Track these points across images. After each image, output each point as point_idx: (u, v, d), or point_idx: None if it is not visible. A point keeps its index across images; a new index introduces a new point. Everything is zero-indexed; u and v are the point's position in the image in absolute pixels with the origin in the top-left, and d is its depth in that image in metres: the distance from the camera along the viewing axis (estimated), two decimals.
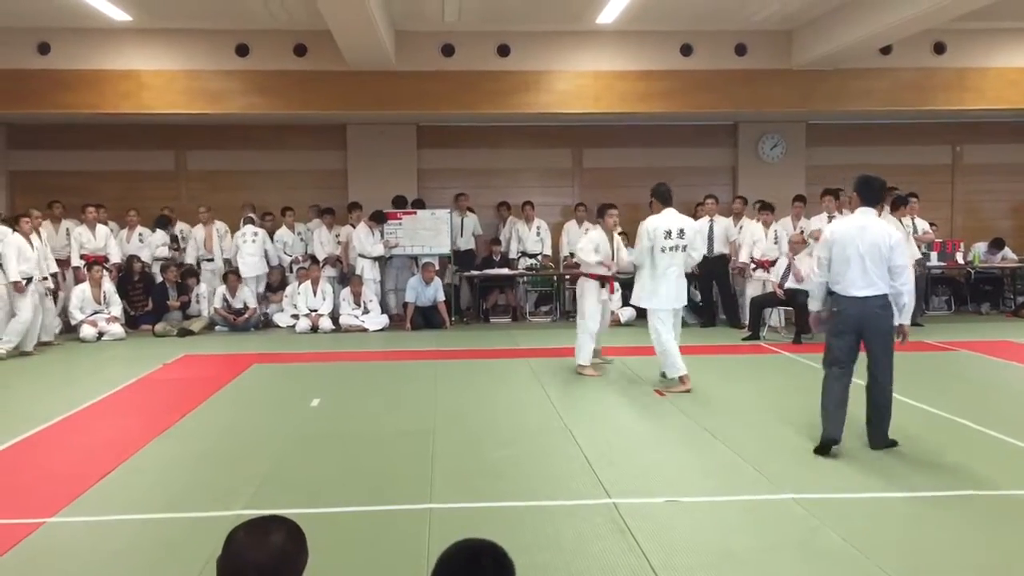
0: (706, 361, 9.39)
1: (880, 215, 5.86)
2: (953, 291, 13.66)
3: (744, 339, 10.82)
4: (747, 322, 11.28)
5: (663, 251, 7.81)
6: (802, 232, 11.34)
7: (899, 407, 6.97)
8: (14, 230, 10.12)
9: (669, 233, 7.86)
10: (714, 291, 12.39)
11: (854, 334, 5.65)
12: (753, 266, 11.74)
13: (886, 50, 12.42)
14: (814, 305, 5.93)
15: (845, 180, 12.82)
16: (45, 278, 10.49)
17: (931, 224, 12.47)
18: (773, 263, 11.43)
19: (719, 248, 12.08)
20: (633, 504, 4.66)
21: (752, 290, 11.67)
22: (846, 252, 5.55)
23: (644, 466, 5.44)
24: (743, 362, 9.45)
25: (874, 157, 14.55)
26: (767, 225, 11.75)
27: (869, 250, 5.51)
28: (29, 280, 10.01)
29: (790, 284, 10.72)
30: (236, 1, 10.75)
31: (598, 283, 8.64)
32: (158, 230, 12.91)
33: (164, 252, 12.78)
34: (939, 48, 12.63)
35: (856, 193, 5.74)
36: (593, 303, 8.58)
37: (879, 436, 5.75)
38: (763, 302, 11.07)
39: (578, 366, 8.57)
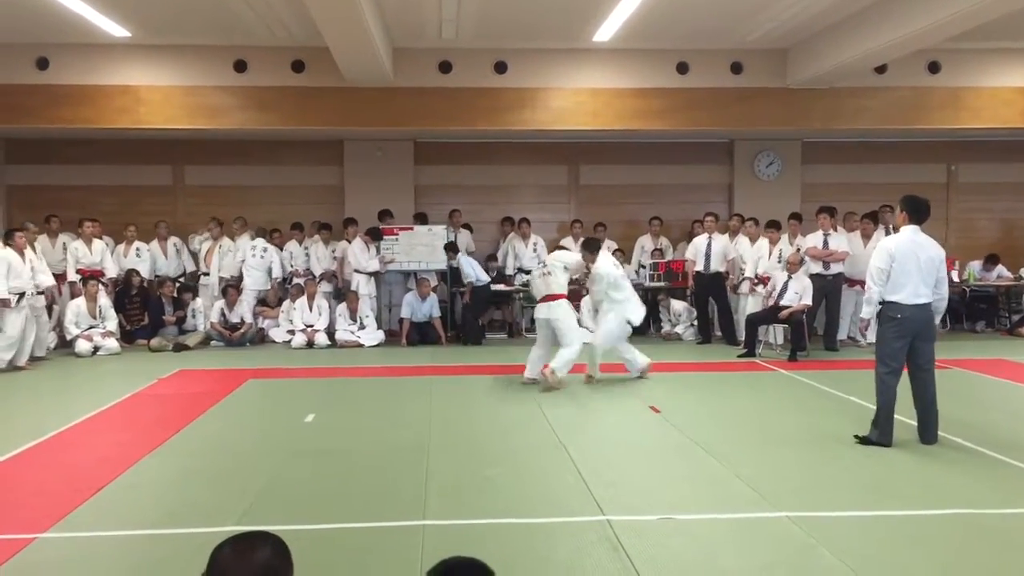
0: (702, 378, 9.40)
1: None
2: (948, 309, 13.64)
3: (740, 356, 10.82)
4: (743, 339, 11.29)
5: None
6: (798, 250, 11.35)
7: (896, 425, 6.99)
8: (6, 244, 10.09)
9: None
10: (710, 308, 12.41)
11: (912, 337, 6.29)
12: (756, 281, 11.74)
13: (881, 69, 12.50)
14: (869, 312, 6.48)
15: (840, 198, 12.95)
16: (42, 292, 10.43)
17: None
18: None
19: (716, 266, 12.11)
20: (627, 521, 4.65)
21: (748, 307, 11.69)
22: (907, 265, 6.21)
23: (638, 483, 5.44)
24: (739, 379, 9.45)
25: (869, 175, 14.63)
26: (774, 243, 11.71)
27: (926, 264, 6.26)
28: (21, 296, 9.98)
29: (785, 302, 10.73)
30: (234, 17, 10.80)
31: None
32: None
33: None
34: (933, 67, 12.71)
35: (905, 212, 6.41)
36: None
37: (934, 432, 6.37)
38: (759, 319, 11.08)
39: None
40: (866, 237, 11.70)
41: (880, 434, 6.29)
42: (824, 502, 5.02)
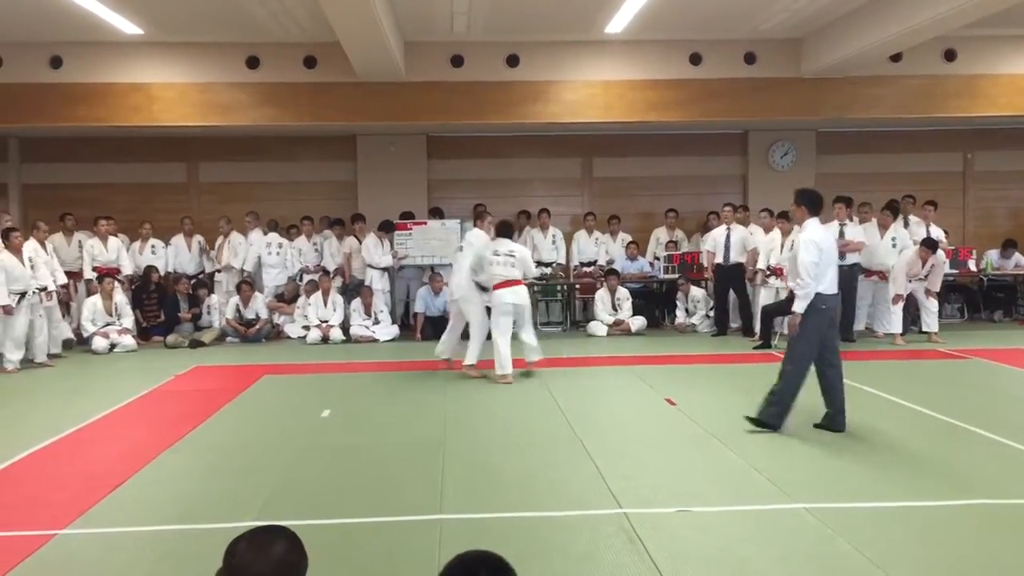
0: (718, 370, 9.36)
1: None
2: (966, 299, 13.58)
3: (755, 347, 10.78)
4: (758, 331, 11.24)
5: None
6: None
7: (913, 415, 6.97)
8: (5, 246, 9.99)
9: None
10: (730, 300, 12.35)
11: (829, 326, 6.50)
12: (768, 272, 11.68)
13: (896, 58, 12.39)
14: (802, 307, 6.38)
15: (855, 188, 12.86)
16: (51, 290, 10.43)
17: (944, 232, 12.39)
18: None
19: (735, 257, 12.04)
20: (644, 514, 4.64)
21: (764, 298, 11.62)
22: (828, 257, 6.40)
23: (655, 476, 5.42)
24: (755, 371, 9.38)
25: (885, 165, 14.54)
26: (785, 234, 11.63)
27: (835, 254, 6.61)
28: (22, 296, 9.95)
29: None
30: (246, 14, 10.81)
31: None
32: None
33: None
34: (949, 55, 12.59)
35: (804, 206, 6.53)
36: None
37: (843, 418, 6.44)
38: (774, 311, 11.01)
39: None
40: (883, 228, 11.61)
41: (777, 414, 6.42)
42: (841, 493, 4.99)
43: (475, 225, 9.64)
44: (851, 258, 11.31)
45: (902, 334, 10.99)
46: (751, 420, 6.48)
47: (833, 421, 6.45)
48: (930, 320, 11.07)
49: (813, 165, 14.65)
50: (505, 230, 9.21)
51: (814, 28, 11.96)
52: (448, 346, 9.52)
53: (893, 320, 11.08)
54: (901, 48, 11.79)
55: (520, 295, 8.92)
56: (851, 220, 11.44)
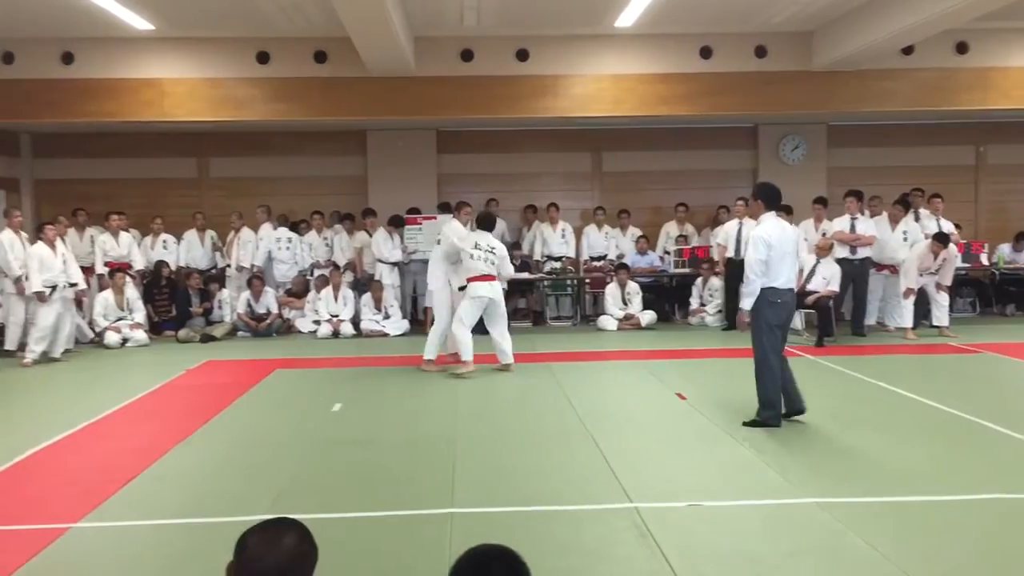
0: (728, 364, 9.34)
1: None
2: (978, 293, 13.51)
3: None
4: None
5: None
6: (824, 235, 11.26)
7: (926, 409, 6.95)
8: (39, 238, 10.25)
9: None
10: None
11: (784, 321, 6.57)
12: None
13: (908, 50, 12.32)
14: (749, 304, 6.48)
15: (866, 182, 12.80)
16: (74, 284, 10.55)
17: (956, 225, 12.33)
18: None
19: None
20: (655, 508, 4.64)
21: None
22: (782, 252, 6.39)
23: (666, 470, 5.43)
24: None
25: (896, 158, 14.47)
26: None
27: (793, 248, 6.56)
28: (53, 288, 10.12)
29: (812, 287, 10.65)
30: (256, 9, 10.83)
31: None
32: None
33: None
34: (961, 48, 12.51)
35: (761, 200, 6.53)
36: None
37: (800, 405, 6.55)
38: None
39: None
40: (894, 222, 11.56)
41: (774, 415, 6.40)
42: (853, 487, 4.98)
43: (454, 216, 9.56)
44: (862, 252, 11.28)
45: (913, 328, 10.94)
46: (749, 424, 6.43)
47: (757, 415, 6.50)
48: (941, 314, 11.03)
49: (824, 159, 14.60)
50: (486, 223, 9.09)
51: (825, 21, 11.91)
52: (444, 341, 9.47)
53: (904, 314, 11.03)
54: (912, 41, 11.72)
55: (495, 290, 8.87)
56: (862, 214, 11.40)
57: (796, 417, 6.52)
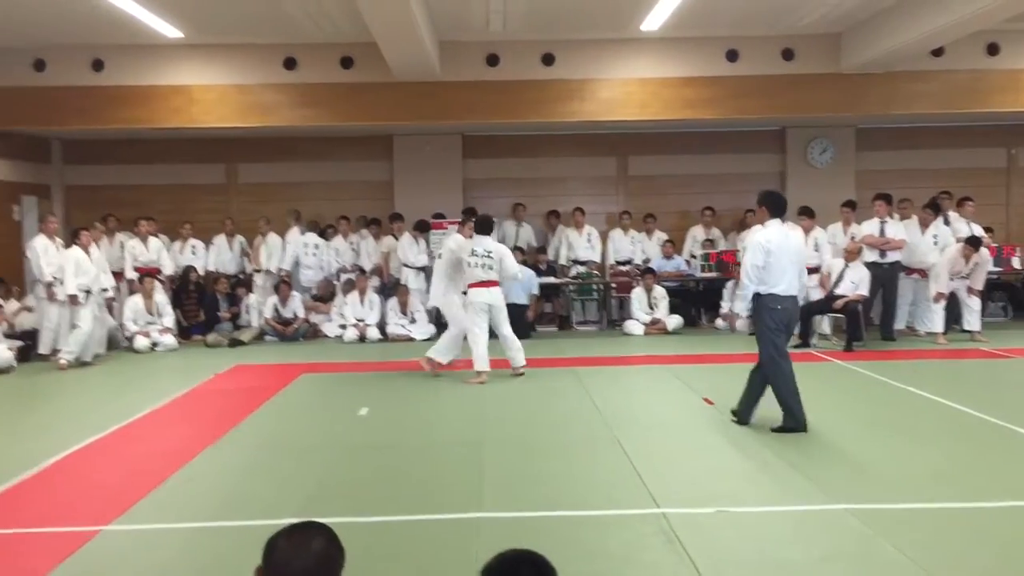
0: None
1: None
2: (1010, 297, 13.32)
3: (794, 347, 10.63)
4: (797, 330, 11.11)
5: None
6: (853, 238, 11.16)
7: (957, 415, 6.87)
8: (75, 242, 10.41)
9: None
10: None
11: (785, 327, 6.59)
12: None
13: (938, 52, 12.19)
14: (743, 308, 6.59)
15: (896, 185, 12.67)
16: (104, 289, 10.71)
17: (987, 229, 12.18)
18: (815, 270, 11.11)
19: None
20: (682, 514, 4.61)
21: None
22: (783, 259, 6.37)
23: (693, 475, 5.39)
24: (794, 370, 9.30)
25: (926, 161, 14.33)
26: (807, 231, 11.43)
27: (797, 256, 6.59)
28: (88, 292, 10.24)
29: (841, 291, 10.55)
30: (283, 16, 10.90)
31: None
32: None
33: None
34: (992, 49, 12.37)
35: (766, 207, 6.55)
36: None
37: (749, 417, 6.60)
38: (814, 309, 10.91)
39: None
40: (924, 226, 11.43)
41: (797, 420, 6.35)
42: (883, 493, 4.93)
43: (458, 231, 9.64)
44: (891, 256, 11.16)
45: (944, 333, 10.82)
46: (777, 431, 6.38)
47: (739, 415, 6.61)
48: (972, 319, 10.89)
49: (852, 162, 14.48)
50: (484, 227, 9.02)
51: (854, 23, 11.81)
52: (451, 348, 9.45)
53: (935, 319, 10.91)
54: (943, 42, 11.60)
55: (495, 296, 8.87)
56: (891, 217, 11.29)
57: (793, 426, 6.36)
